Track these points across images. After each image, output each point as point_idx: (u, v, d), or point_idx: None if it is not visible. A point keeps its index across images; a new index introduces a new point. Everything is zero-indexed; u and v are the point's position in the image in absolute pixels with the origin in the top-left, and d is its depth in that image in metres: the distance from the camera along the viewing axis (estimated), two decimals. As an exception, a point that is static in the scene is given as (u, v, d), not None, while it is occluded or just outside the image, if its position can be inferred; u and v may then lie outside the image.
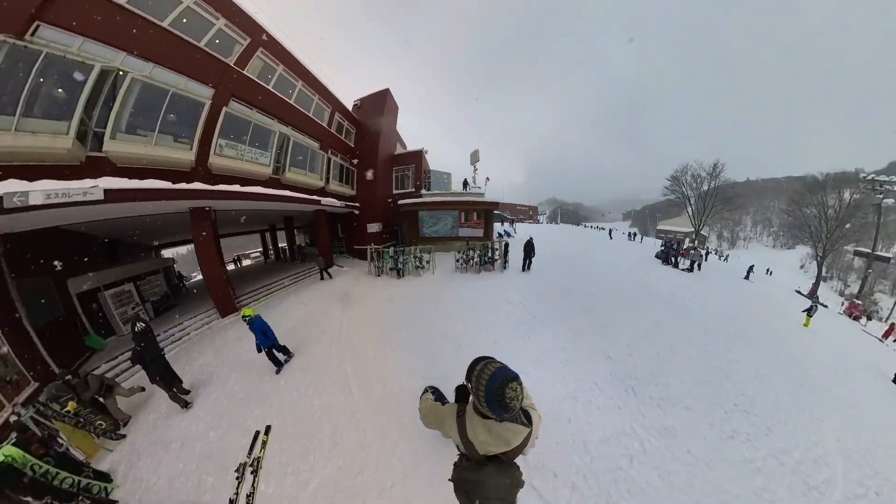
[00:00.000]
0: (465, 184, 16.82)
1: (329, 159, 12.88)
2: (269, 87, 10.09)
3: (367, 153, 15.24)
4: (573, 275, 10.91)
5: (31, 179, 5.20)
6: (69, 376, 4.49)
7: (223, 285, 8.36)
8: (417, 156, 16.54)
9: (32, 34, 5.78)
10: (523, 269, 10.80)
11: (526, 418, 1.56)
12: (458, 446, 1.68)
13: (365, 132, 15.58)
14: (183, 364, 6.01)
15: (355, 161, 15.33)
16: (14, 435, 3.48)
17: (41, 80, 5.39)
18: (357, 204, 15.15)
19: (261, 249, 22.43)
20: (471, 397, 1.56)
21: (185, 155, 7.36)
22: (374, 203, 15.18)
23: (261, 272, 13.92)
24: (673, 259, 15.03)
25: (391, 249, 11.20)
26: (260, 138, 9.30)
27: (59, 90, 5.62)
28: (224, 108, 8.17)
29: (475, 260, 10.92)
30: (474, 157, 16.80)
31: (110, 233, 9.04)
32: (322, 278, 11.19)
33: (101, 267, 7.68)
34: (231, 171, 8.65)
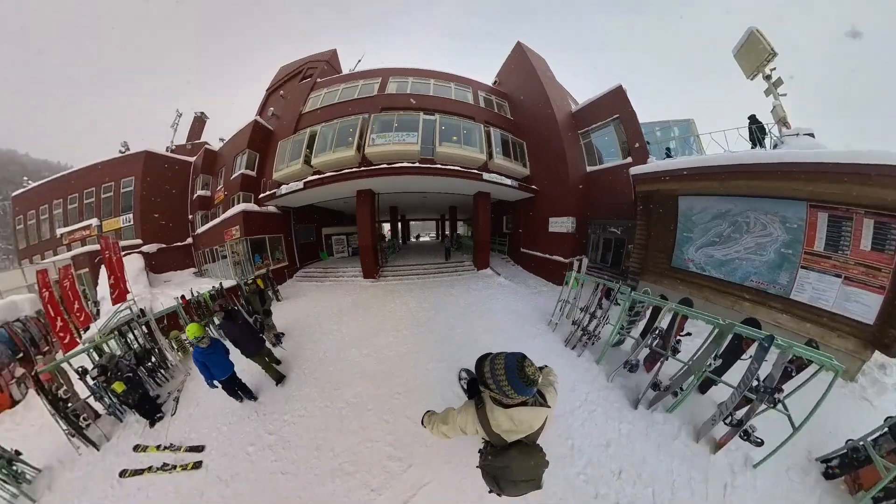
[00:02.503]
0: (756, 134, 7.44)
1: (488, 131, 12.34)
2: (407, 93, 12.93)
3: (532, 120, 13.00)
4: None
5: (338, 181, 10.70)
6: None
7: (370, 254, 11.17)
8: (618, 99, 10.21)
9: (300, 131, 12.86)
10: None
11: (542, 398, 1.65)
12: (483, 437, 1.77)
13: (518, 100, 13.73)
14: (295, 302, 9.39)
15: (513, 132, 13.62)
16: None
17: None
18: (534, 187, 12.32)
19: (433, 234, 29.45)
20: (486, 393, 1.63)
21: (350, 153, 11.27)
22: (560, 186, 10.93)
23: (423, 251, 16.58)
24: None
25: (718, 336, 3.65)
26: (406, 125, 11.28)
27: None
28: (373, 116, 11.66)
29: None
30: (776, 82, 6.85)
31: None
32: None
33: (338, 224, 15.17)
34: (383, 155, 10.73)
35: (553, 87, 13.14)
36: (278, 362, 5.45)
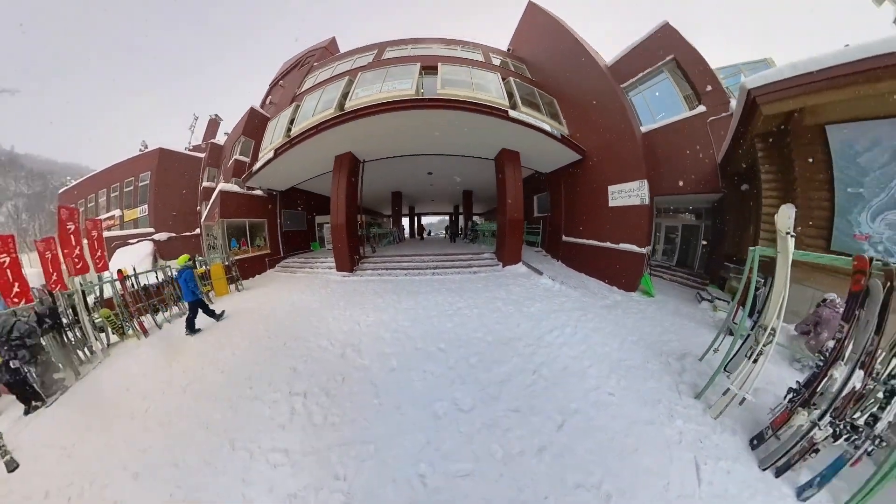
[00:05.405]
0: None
1: (507, 81, 9.68)
2: (406, 56, 10.67)
3: (563, 77, 10.35)
4: None
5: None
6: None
7: (345, 240, 8.64)
8: (668, 37, 8.77)
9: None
10: None
11: None
12: None
13: (540, 64, 11.48)
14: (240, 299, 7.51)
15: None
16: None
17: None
18: (582, 147, 9.10)
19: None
20: None
21: (330, 111, 8.80)
22: (620, 143, 7.90)
23: (428, 244, 13.87)
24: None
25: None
26: (398, 76, 9.13)
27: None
28: (360, 74, 9.82)
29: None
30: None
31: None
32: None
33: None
34: (368, 103, 8.15)
35: (582, 41, 10.22)
36: None
